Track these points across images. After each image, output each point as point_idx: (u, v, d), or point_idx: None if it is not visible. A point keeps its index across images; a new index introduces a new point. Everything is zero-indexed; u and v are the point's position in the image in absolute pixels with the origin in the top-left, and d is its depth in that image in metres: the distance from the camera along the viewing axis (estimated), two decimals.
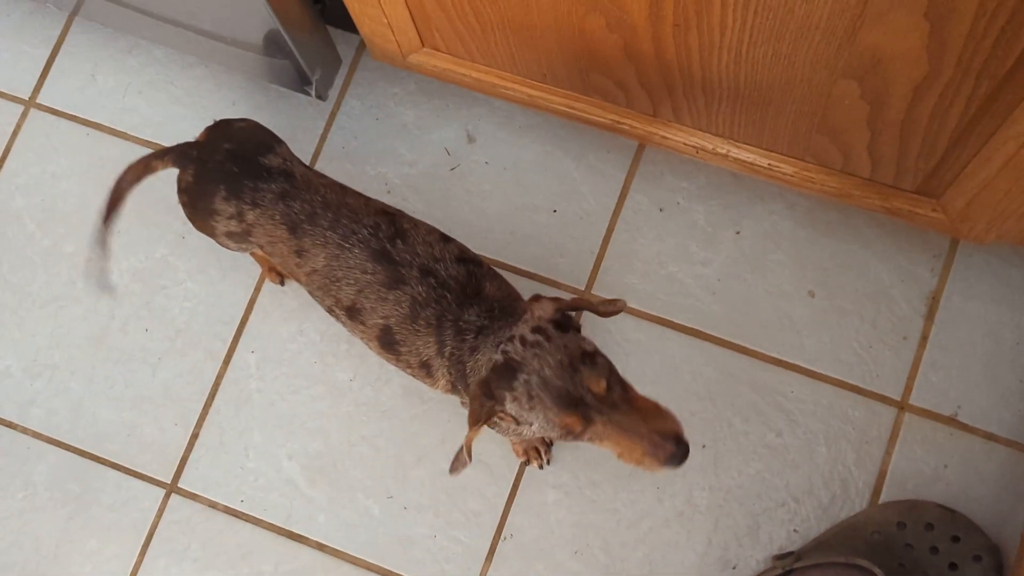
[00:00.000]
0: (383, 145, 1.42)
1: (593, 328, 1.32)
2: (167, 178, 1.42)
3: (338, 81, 1.43)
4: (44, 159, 1.45)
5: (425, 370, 1.07)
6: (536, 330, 0.92)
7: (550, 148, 1.39)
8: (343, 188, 1.12)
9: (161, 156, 1.16)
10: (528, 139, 1.40)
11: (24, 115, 1.46)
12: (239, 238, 1.13)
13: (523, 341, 0.91)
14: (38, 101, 1.47)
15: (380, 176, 1.40)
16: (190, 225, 1.40)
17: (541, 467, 1.29)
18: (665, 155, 1.37)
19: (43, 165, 1.45)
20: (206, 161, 1.11)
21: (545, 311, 0.94)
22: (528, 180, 1.39)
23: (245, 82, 1.45)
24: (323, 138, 1.42)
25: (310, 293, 1.12)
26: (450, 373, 1.04)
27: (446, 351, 1.03)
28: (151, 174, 1.18)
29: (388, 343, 1.07)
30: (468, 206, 1.38)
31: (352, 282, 1.05)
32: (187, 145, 1.15)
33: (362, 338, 1.11)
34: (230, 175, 1.09)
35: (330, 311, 1.11)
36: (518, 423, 0.94)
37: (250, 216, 1.09)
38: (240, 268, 1.38)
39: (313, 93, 1.33)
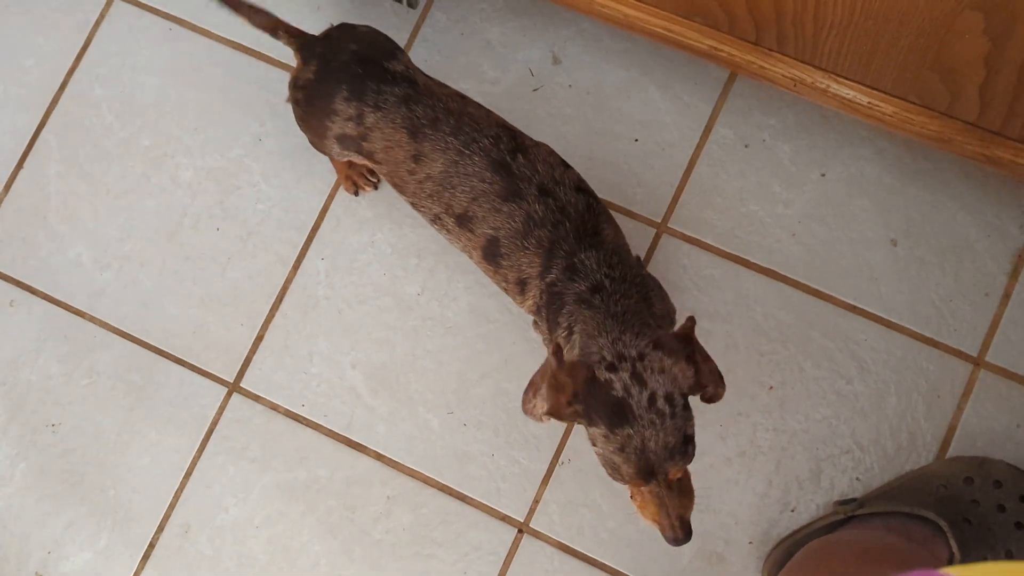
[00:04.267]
0: (466, 61, 1.39)
1: (668, 263, 1.31)
2: (249, 79, 1.41)
3: None
4: (125, 51, 1.44)
5: (519, 287, 1.05)
6: (668, 398, 0.91)
7: (636, 75, 1.37)
8: (464, 98, 1.10)
9: (291, 32, 1.15)
10: (614, 64, 1.37)
11: (108, 4, 1.45)
12: (350, 143, 1.10)
13: (651, 400, 0.90)
14: None
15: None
16: (267, 127, 1.40)
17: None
18: (754, 90, 1.34)
19: (124, 57, 1.44)
20: (330, 60, 1.09)
21: (686, 380, 0.92)
22: (611, 107, 1.36)
23: None
24: (406, 50, 1.40)
25: (415, 202, 1.10)
26: (541, 297, 1.03)
27: (548, 277, 1.02)
28: (272, 36, 1.16)
29: (492, 255, 1.05)
30: (549, 128, 1.36)
31: (467, 190, 1.04)
32: (312, 39, 1.13)
33: (465, 247, 1.09)
34: (354, 76, 1.07)
35: (436, 219, 1.09)
36: (590, 430, 0.94)
37: (370, 119, 1.07)
38: (315, 174, 1.37)
39: (404, 1, 1.31)
